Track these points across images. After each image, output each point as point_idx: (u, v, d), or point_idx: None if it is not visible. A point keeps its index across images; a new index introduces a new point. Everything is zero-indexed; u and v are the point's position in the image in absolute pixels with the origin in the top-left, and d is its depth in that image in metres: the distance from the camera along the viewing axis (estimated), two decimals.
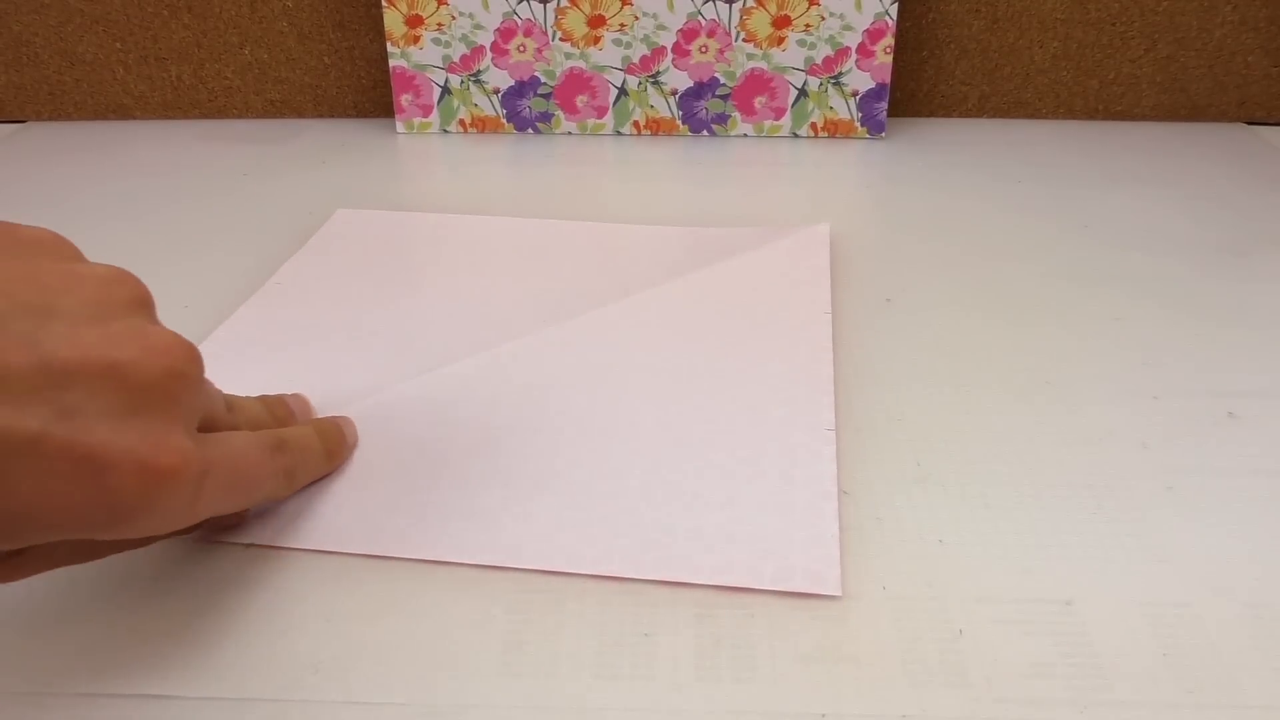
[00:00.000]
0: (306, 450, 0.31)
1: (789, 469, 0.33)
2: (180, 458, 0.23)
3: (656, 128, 0.66)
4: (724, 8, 0.62)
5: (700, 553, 0.30)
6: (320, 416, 0.34)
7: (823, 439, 0.35)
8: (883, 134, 0.65)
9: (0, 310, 0.21)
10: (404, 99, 0.65)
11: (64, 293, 0.23)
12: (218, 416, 0.28)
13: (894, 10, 0.61)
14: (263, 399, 0.33)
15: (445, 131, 0.66)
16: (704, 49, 0.63)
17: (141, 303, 0.24)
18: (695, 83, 0.64)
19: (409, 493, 0.32)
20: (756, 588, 0.29)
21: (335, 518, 0.31)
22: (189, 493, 0.24)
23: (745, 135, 0.65)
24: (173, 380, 0.23)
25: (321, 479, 0.32)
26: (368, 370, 0.39)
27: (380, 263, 0.48)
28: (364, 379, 0.38)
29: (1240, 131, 0.67)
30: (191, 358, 0.24)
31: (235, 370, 0.39)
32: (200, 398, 0.26)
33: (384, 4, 0.63)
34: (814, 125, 0.65)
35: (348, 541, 0.30)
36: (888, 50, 0.62)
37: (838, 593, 0.28)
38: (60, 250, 0.24)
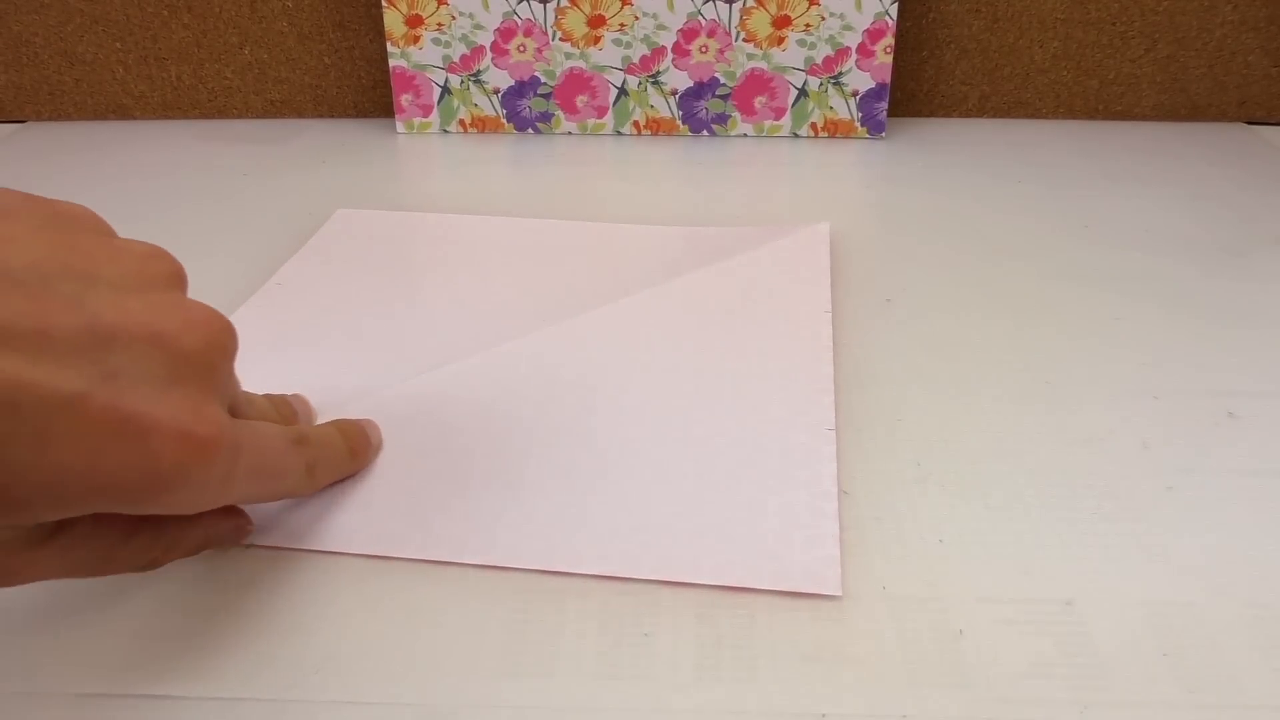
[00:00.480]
0: (328, 447, 0.31)
1: (789, 469, 0.33)
2: (218, 428, 0.23)
3: (656, 128, 0.66)
4: (724, 8, 0.62)
5: (700, 553, 0.30)
6: (341, 418, 0.34)
7: (823, 439, 0.35)
8: (883, 134, 0.65)
9: (47, 272, 0.21)
10: (404, 99, 0.65)
11: (107, 262, 0.23)
12: (238, 406, 0.28)
13: (894, 10, 0.61)
14: (268, 397, 0.33)
15: (445, 131, 0.66)
16: (704, 49, 0.63)
17: (179, 278, 0.25)
18: (695, 83, 0.64)
19: (408, 494, 0.32)
20: (756, 587, 0.29)
21: (335, 519, 0.31)
22: (224, 467, 0.24)
23: (745, 135, 0.65)
24: (213, 352, 0.24)
25: (345, 480, 0.32)
26: (368, 370, 0.39)
27: (381, 263, 0.48)
28: (364, 379, 0.38)
29: (1240, 131, 0.67)
30: (230, 332, 0.25)
31: (237, 370, 0.39)
32: (232, 376, 0.26)
33: (384, 4, 0.63)
34: (814, 125, 0.65)
35: (347, 543, 0.30)
36: (888, 50, 0.62)
37: (838, 592, 0.28)
38: (98, 225, 0.24)
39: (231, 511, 0.29)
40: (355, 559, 0.30)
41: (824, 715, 0.25)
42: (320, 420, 0.35)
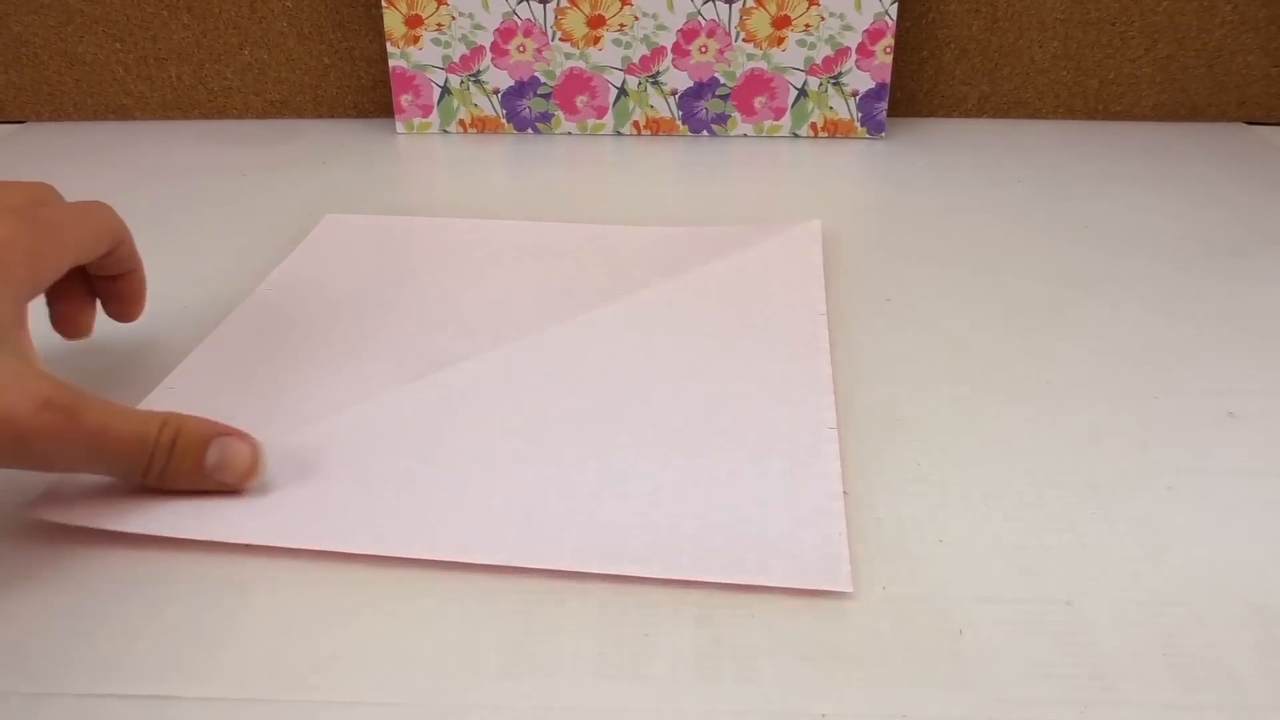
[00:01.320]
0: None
1: (793, 468, 0.33)
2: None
3: (656, 128, 0.66)
4: (724, 8, 0.62)
5: (709, 551, 0.30)
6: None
7: (825, 438, 0.35)
8: (883, 134, 0.65)
9: None
10: (404, 99, 0.65)
11: None
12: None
13: (894, 10, 0.61)
14: None
15: (445, 132, 0.66)
16: (704, 49, 0.63)
17: None
18: (695, 83, 0.64)
19: (413, 495, 0.32)
20: (767, 585, 0.29)
21: (336, 519, 0.31)
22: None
23: (745, 135, 0.65)
24: None
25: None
26: (363, 375, 0.39)
27: (371, 268, 0.48)
28: (358, 384, 0.38)
29: (1240, 131, 0.67)
30: None
31: (225, 378, 0.39)
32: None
33: (384, 4, 0.63)
34: (814, 125, 0.65)
35: (348, 543, 0.30)
36: (888, 50, 0.62)
37: (849, 589, 0.28)
38: None
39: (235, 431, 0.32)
40: (355, 559, 0.30)
41: (824, 715, 0.25)
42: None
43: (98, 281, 0.37)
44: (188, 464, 0.31)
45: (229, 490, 0.31)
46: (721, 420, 0.36)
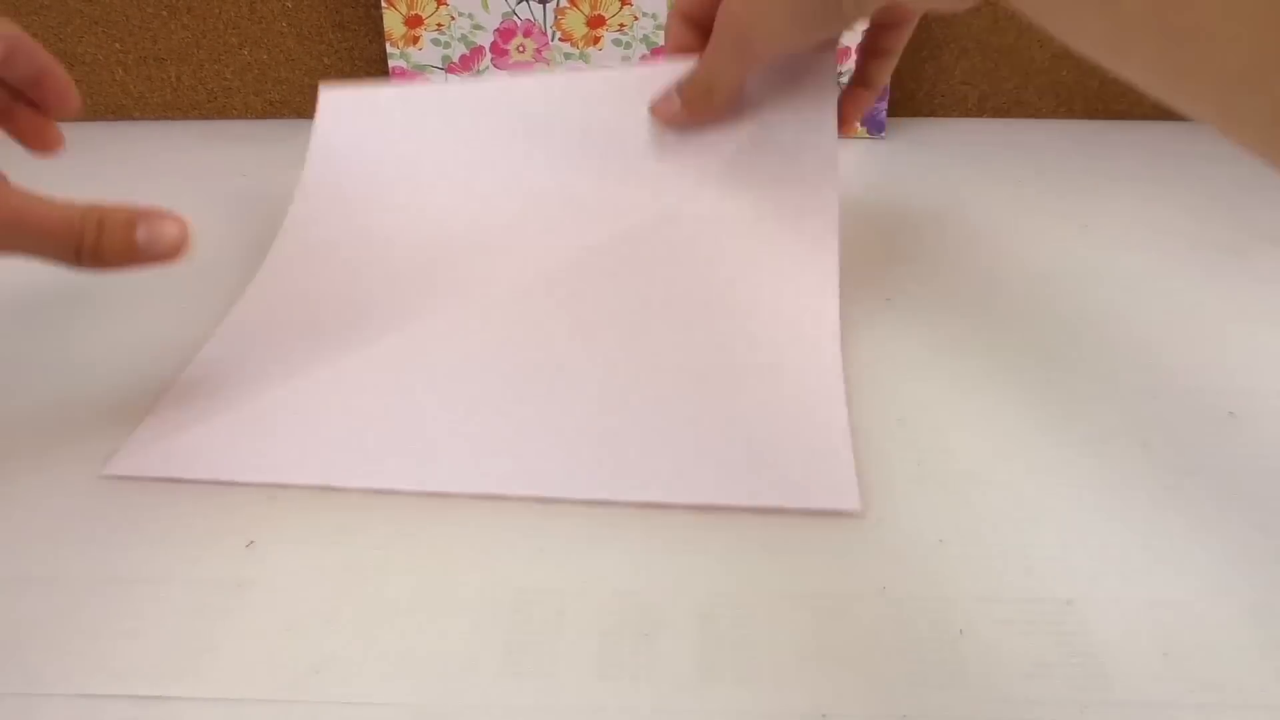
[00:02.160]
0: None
1: (799, 392, 0.33)
2: None
3: None
4: None
5: (715, 475, 0.30)
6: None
7: (829, 367, 0.35)
8: (883, 134, 0.65)
9: None
10: None
11: None
12: None
13: None
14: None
15: None
16: None
17: None
18: None
19: (422, 425, 0.33)
20: (776, 506, 0.29)
21: (338, 455, 0.32)
22: None
23: None
24: None
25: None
26: (390, 312, 0.39)
27: (386, 166, 0.47)
28: (389, 319, 0.38)
29: None
30: None
31: (269, 331, 0.40)
32: None
33: (384, 4, 0.63)
34: None
35: (349, 477, 0.31)
36: None
37: (856, 505, 0.29)
38: None
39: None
40: (355, 558, 0.30)
41: (824, 715, 0.25)
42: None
43: (29, 91, 0.40)
44: (118, 240, 0.31)
45: (165, 264, 0.32)
46: (726, 340, 0.36)
